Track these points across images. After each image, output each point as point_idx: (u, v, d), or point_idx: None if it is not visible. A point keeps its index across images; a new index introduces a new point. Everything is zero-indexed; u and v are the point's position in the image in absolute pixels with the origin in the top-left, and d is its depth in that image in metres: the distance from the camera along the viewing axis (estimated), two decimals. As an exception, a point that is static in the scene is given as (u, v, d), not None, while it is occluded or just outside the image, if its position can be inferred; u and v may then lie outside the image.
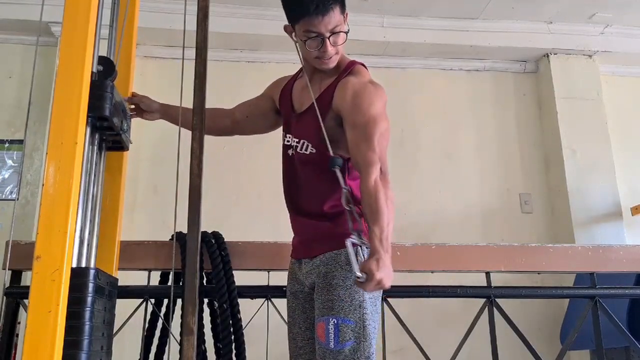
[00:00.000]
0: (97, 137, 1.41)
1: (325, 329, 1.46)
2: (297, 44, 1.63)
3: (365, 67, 1.65)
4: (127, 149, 1.63)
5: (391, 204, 1.43)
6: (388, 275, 1.32)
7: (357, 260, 1.34)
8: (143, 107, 1.90)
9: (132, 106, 1.90)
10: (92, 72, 1.34)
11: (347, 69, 1.62)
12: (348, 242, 1.36)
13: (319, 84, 1.64)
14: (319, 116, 1.56)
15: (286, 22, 1.60)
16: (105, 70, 1.43)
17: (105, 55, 1.65)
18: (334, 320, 1.45)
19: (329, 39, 1.53)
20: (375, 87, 1.57)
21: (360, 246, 1.45)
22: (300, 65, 1.72)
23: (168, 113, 1.92)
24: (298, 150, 1.61)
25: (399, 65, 4.04)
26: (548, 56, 4.00)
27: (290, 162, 1.66)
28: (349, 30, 1.58)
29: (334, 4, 1.50)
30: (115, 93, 1.39)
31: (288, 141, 1.67)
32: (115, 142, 1.53)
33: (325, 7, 1.49)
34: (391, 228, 1.40)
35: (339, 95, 1.56)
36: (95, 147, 1.41)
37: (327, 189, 1.55)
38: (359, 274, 1.29)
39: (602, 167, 3.78)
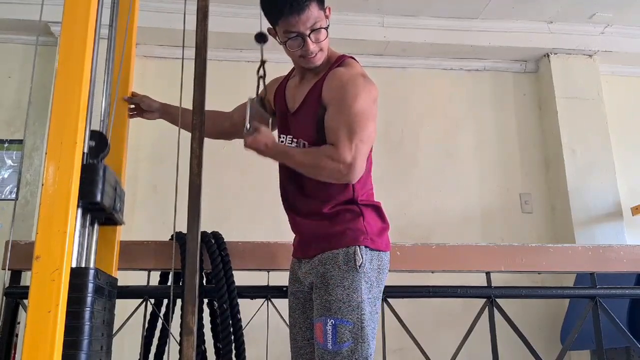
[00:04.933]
0: (88, 216, 1.41)
1: (323, 330, 1.45)
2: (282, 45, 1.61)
3: (357, 61, 1.63)
4: (121, 224, 1.63)
5: (314, 175, 1.51)
6: (252, 143, 1.53)
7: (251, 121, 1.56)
8: (143, 107, 1.90)
9: (132, 106, 1.90)
10: (84, 152, 1.32)
11: (337, 62, 1.60)
12: (249, 99, 1.60)
13: (310, 81, 1.62)
14: (313, 113, 1.56)
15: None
16: (98, 146, 1.40)
17: (105, 55, 1.65)
18: (331, 320, 1.44)
19: (309, 36, 1.51)
20: (365, 79, 1.53)
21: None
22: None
23: (168, 112, 1.92)
24: None
25: (399, 65, 4.04)
26: (548, 56, 4.00)
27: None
28: (329, 25, 1.55)
29: (309, 1, 1.48)
30: (107, 174, 1.37)
31: (282, 141, 1.66)
32: (108, 219, 1.53)
33: (300, 5, 1.47)
34: (288, 162, 1.55)
35: (326, 86, 1.54)
36: (87, 224, 1.41)
37: (327, 190, 1.55)
38: (248, 125, 1.53)
39: (602, 167, 3.78)
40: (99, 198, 1.32)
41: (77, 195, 1.26)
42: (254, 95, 1.61)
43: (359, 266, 1.48)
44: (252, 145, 1.53)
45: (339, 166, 1.43)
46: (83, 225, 1.36)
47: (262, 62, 1.59)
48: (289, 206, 1.67)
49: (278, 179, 1.72)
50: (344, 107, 1.48)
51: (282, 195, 1.69)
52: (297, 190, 1.62)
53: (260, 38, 1.56)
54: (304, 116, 1.59)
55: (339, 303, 1.45)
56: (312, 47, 1.53)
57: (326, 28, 1.54)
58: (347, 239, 1.50)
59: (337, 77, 1.53)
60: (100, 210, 1.41)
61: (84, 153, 1.32)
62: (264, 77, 1.61)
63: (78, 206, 1.28)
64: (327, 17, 1.55)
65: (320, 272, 1.51)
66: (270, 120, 1.66)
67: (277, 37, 1.58)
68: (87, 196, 1.30)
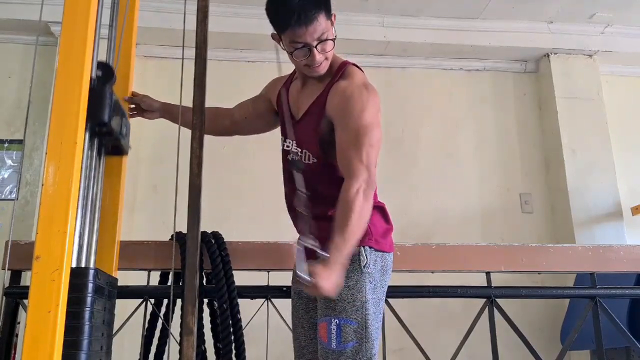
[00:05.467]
0: (96, 142, 1.40)
1: (328, 329, 1.45)
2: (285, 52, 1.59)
3: (359, 68, 1.63)
4: (127, 154, 1.62)
5: (365, 216, 1.43)
6: (331, 286, 1.31)
7: (305, 262, 1.31)
8: (144, 107, 1.90)
9: (133, 105, 1.90)
10: (91, 78, 1.33)
11: (340, 70, 1.59)
12: (297, 246, 1.35)
13: (313, 88, 1.62)
14: (315, 124, 1.55)
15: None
16: (104, 75, 1.42)
17: (105, 55, 1.65)
18: (336, 320, 1.44)
19: (316, 47, 1.49)
20: (368, 90, 1.53)
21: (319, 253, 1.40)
22: None
23: (169, 112, 1.91)
24: (303, 160, 1.59)
25: (399, 65, 4.04)
26: (548, 56, 4.00)
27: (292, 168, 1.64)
28: (336, 36, 1.54)
29: (317, 12, 1.45)
30: (114, 98, 1.38)
31: (288, 146, 1.65)
32: (114, 147, 1.52)
33: (308, 17, 1.44)
34: (354, 241, 1.39)
35: (331, 101, 1.54)
36: (95, 152, 1.40)
37: (332, 196, 1.54)
38: (303, 275, 1.28)
39: (602, 167, 3.79)
40: (106, 118, 1.32)
41: (77, 195, 1.26)
42: (300, 242, 1.45)
43: (364, 266, 1.49)
44: (318, 294, 1.33)
45: (362, 186, 1.42)
46: (90, 152, 1.35)
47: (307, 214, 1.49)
48: (294, 212, 1.64)
49: (277, 180, 1.72)
50: (351, 125, 1.48)
51: (287, 200, 1.68)
52: (307, 187, 1.60)
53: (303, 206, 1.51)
54: (307, 127, 1.59)
55: (344, 303, 1.45)
56: (318, 57, 1.52)
57: (333, 39, 1.53)
58: None
59: (341, 93, 1.53)
60: (107, 135, 1.40)
61: (91, 78, 1.31)
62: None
63: (86, 129, 1.27)
64: (332, 24, 1.53)
65: None
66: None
67: (281, 44, 1.56)
68: (94, 117, 1.30)
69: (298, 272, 1.29)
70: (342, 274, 1.37)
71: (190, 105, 1.64)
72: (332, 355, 1.44)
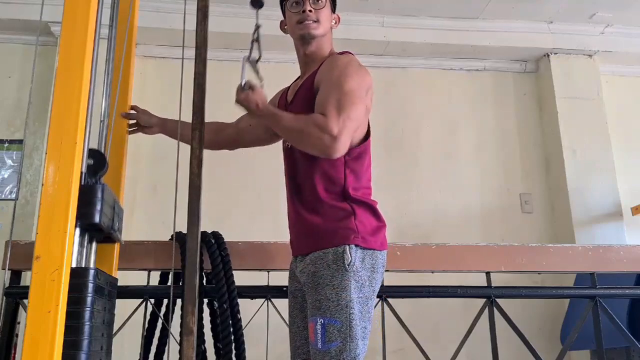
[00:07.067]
0: (87, 236, 1.40)
1: (314, 329, 1.45)
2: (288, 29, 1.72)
3: (354, 56, 1.69)
4: (119, 242, 1.62)
5: (305, 140, 1.48)
6: (249, 104, 1.52)
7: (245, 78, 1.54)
8: (141, 123, 1.93)
9: (133, 121, 1.91)
10: (82, 172, 1.30)
11: (336, 54, 1.67)
12: (243, 58, 1.58)
13: (310, 73, 1.67)
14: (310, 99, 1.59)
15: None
16: (96, 164, 1.40)
17: (105, 55, 1.65)
18: (321, 320, 1.44)
19: (309, 0, 1.63)
20: (360, 66, 1.60)
21: None
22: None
23: (166, 127, 1.93)
24: None
25: (399, 65, 4.04)
26: (548, 56, 4.00)
27: (290, 154, 1.65)
28: (334, 7, 1.69)
29: None
30: (105, 194, 1.35)
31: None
32: (106, 237, 1.51)
33: None
34: (281, 126, 1.53)
35: (321, 70, 1.60)
36: (85, 243, 1.39)
37: (326, 175, 1.55)
38: (243, 82, 1.51)
39: (602, 167, 3.78)
40: (97, 219, 1.31)
41: (77, 195, 1.26)
42: (248, 54, 1.61)
43: (348, 265, 1.47)
44: (244, 102, 1.53)
45: (324, 136, 1.43)
46: (81, 244, 1.35)
47: (257, 27, 1.60)
48: (292, 196, 1.65)
49: (277, 180, 1.73)
50: (336, 85, 1.52)
51: (287, 189, 1.68)
52: (300, 179, 1.61)
53: (256, 3, 1.59)
54: (300, 100, 1.63)
55: (328, 302, 1.45)
56: (309, 9, 1.62)
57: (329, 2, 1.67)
58: (337, 238, 1.50)
59: (332, 61, 1.60)
60: (98, 230, 1.40)
61: (82, 172, 1.30)
62: (258, 40, 1.62)
63: (76, 226, 1.27)
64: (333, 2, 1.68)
65: (311, 271, 1.51)
66: (262, 84, 1.63)
67: (284, 27, 1.72)
68: (85, 217, 1.29)
69: (242, 80, 1.51)
70: (253, 110, 1.53)
71: (190, 107, 1.64)
72: (318, 355, 1.44)
